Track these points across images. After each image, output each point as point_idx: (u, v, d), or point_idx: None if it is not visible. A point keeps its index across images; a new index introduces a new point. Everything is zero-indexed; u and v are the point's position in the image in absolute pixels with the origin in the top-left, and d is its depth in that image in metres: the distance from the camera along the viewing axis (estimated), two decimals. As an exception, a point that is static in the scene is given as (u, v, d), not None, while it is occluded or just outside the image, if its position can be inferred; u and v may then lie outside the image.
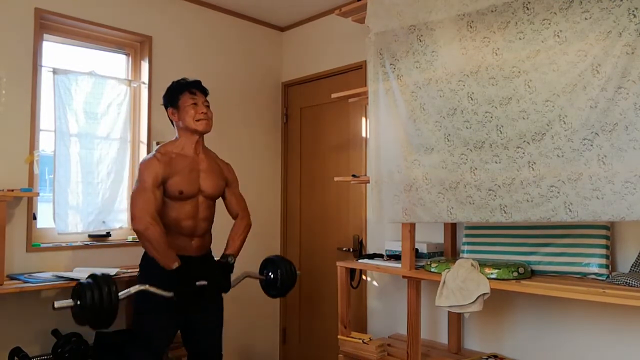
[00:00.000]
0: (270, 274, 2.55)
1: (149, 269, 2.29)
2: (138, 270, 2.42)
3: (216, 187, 2.45)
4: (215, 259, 2.53)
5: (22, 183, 2.63)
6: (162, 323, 2.29)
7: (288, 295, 3.78)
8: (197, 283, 2.20)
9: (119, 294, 1.96)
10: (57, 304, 1.90)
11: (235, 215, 2.57)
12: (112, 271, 2.66)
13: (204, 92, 2.45)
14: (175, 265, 2.17)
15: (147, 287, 2.11)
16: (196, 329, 2.41)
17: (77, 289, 1.94)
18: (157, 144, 3.14)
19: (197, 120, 2.36)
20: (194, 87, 2.41)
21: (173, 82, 2.47)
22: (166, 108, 2.44)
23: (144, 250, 2.31)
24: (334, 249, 3.49)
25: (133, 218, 2.18)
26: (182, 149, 2.39)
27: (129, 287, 2.68)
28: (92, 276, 1.97)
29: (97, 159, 2.95)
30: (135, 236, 3.11)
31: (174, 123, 2.43)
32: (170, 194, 2.29)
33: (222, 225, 2.57)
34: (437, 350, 2.65)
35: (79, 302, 1.92)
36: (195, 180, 2.36)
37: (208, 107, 2.43)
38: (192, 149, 2.40)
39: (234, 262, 2.41)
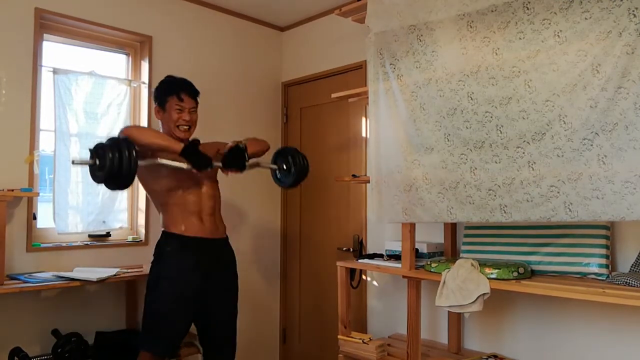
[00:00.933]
0: (284, 165, 2.58)
1: (163, 256, 2.33)
2: (152, 260, 2.42)
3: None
4: (234, 259, 2.57)
5: (22, 183, 2.63)
6: (177, 311, 2.30)
7: (288, 295, 3.80)
8: (214, 164, 2.24)
9: (138, 161, 1.99)
10: (76, 160, 1.95)
11: None
12: (112, 271, 2.67)
13: (194, 96, 2.46)
14: (181, 145, 2.20)
15: (163, 160, 2.16)
16: (211, 320, 2.42)
17: (98, 149, 1.96)
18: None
19: (178, 126, 2.40)
20: (184, 92, 2.42)
21: (166, 80, 2.49)
22: (154, 102, 2.47)
23: (158, 239, 2.36)
24: (334, 249, 3.49)
25: (125, 133, 2.17)
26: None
27: (128, 286, 2.71)
28: (113, 139, 1.99)
29: (97, 159, 2.94)
30: (136, 236, 3.12)
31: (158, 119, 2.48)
32: (176, 176, 2.32)
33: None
34: (437, 350, 2.65)
35: (98, 162, 1.94)
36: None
37: (195, 111, 2.45)
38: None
39: (245, 147, 2.36)
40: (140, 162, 2.03)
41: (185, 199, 2.36)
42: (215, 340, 2.47)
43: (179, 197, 2.36)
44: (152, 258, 2.43)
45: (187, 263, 2.32)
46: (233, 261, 2.55)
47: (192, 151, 2.20)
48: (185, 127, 2.41)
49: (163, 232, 2.41)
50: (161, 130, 2.46)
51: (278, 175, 2.64)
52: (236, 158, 2.32)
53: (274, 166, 2.61)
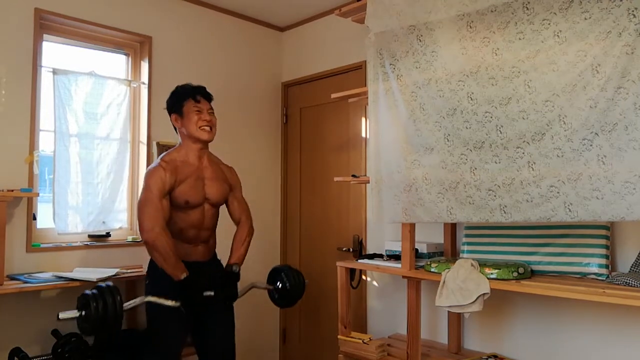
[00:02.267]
0: (278, 283, 2.52)
1: (156, 278, 2.29)
2: (146, 276, 2.40)
3: (221, 194, 2.44)
4: (221, 263, 2.52)
5: (22, 183, 2.63)
6: (173, 328, 2.28)
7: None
8: (205, 294, 2.19)
9: (124, 305, 1.97)
10: (61, 315, 1.91)
11: (237, 220, 2.55)
12: (112, 271, 2.67)
13: (209, 98, 2.43)
14: (184, 275, 2.16)
15: (150, 298, 2.12)
16: (208, 333, 2.40)
17: (82, 300, 1.94)
18: (157, 144, 3.15)
19: (200, 128, 2.34)
20: (199, 94, 2.38)
21: (177, 87, 2.44)
22: (170, 113, 2.42)
23: (150, 258, 2.31)
24: (334, 249, 3.49)
25: (142, 229, 2.17)
26: (186, 157, 2.36)
27: (128, 286, 2.70)
28: (97, 287, 1.97)
29: (97, 159, 2.95)
30: (135, 236, 3.12)
31: (177, 129, 2.42)
32: (176, 203, 2.28)
33: (225, 230, 2.57)
34: (437, 350, 2.65)
35: (84, 313, 1.92)
36: (201, 189, 2.35)
37: (212, 114, 2.41)
38: (196, 157, 2.39)
39: (239, 270, 2.39)
40: (126, 305, 2.01)
41: (183, 232, 2.33)
42: (215, 350, 2.43)
43: (178, 229, 2.32)
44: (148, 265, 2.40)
45: (177, 285, 2.25)
46: (224, 284, 2.43)
47: (187, 291, 2.15)
48: (207, 127, 2.35)
49: None
50: (182, 140, 2.40)
51: (274, 295, 2.55)
52: (230, 288, 2.30)
53: (270, 286, 2.54)
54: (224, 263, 2.47)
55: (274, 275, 2.56)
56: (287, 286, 2.48)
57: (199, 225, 2.35)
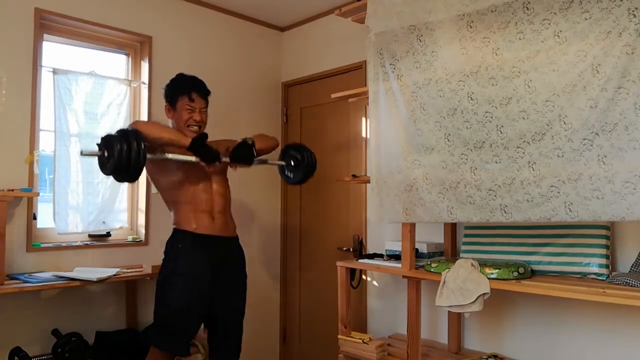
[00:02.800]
0: (291, 160, 2.58)
1: (174, 254, 2.32)
2: (163, 257, 2.39)
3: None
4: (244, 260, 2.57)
5: (22, 183, 2.63)
6: (192, 309, 2.29)
7: (288, 295, 3.80)
8: (222, 159, 2.26)
9: (147, 155, 2.00)
10: (84, 151, 1.95)
11: None
12: (112, 271, 2.67)
13: (205, 95, 2.47)
14: (190, 139, 2.21)
15: (171, 155, 2.17)
16: (219, 319, 2.42)
17: (107, 140, 1.96)
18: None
19: (188, 126, 2.40)
20: (195, 91, 2.42)
21: (177, 78, 2.49)
22: (165, 101, 2.47)
23: (169, 238, 2.37)
24: (334, 249, 3.49)
25: (141, 127, 2.15)
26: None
27: (128, 286, 2.70)
28: (122, 130, 2.00)
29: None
30: (136, 236, 3.12)
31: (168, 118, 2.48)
32: (174, 166, 2.32)
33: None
34: (437, 350, 2.65)
35: (106, 154, 1.94)
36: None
37: (205, 111, 2.46)
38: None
39: (253, 143, 2.39)
40: (149, 156, 2.04)
41: (196, 197, 2.36)
42: (222, 340, 2.45)
43: (190, 195, 2.36)
44: (160, 256, 2.40)
45: (200, 260, 2.31)
46: (243, 260, 2.54)
47: (200, 144, 2.22)
48: (196, 127, 2.41)
49: (174, 229, 2.39)
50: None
51: (286, 172, 2.64)
52: (244, 152, 2.34)
53: (282, 163, 2.61)
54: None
55: (288, 152, 2.63)
56: (300, 165, 2.56)
57: (207, 189, 2.39)
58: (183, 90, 2.42)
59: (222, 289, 2.40)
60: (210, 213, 2.38)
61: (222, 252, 2.39)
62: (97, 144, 2.01)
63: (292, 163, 2.58)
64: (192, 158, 2.21)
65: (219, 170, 2.46)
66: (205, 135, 2.29)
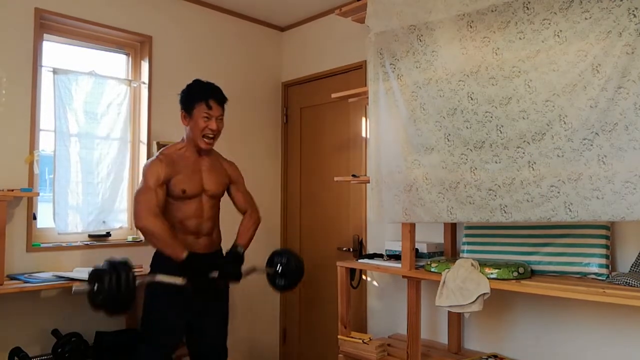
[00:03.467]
0: (278, 266, 2.53)
1: (159, 265, 2.31)
2: (150, 270, 2.41)
3: (219, 185, 2.46)
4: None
5: (22, 183, 2.63)
6: (171, 320, 2.31)
7: (288, 295, 3.80)
8: (210, 275, 2.22)
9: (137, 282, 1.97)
10: (75, 289, 1.92)
11: (243, 212, 2.59)
12: (112, 271, 2.67)
13: (222, 103, 2.43)
14: (185, 254, 2.18)
15: (159, 276, 2.13)
16: (200, 331, 2.42)
17: (95, 274, 1.94)
18: (157, 144, 3.15)
19: (203, 136, 2.36)
20: (212, 99, 2.37)
21: (194, 84, 2.44)
22: (181, 108, 2.42)
23: (154, 251, 2.34)
24: (334, 249, 3.49)
25: (136, 216, 2.21)
26: (184, 151, 2.41)
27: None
28: (109, 262, 1.97)
29: (97, 159, 2.95)
30: (136, 236, 3.12)
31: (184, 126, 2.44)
32: (174, 193, 2.31)
33: (232, 222, 2.57)
34: (437, 350, 2.65)
35: (96, 287, 1.91)
36: (198, 179, 2.38)
37: (221, 119, 2.43)
38: (194, 152, 2.43)
39: (244, 252, 2.43)
40: (138, 282, 2.01)
41: (185, 222, 2.35)
42: (205, 348, 2.45)
43: (179, 220, 2.34)
44: (150, 261, 2.42)
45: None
46: (228, 263, 2.51)
47: (191, 271, 2.17)
48: (211, 136, 2.38)
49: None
50: (185, 136, 2.43)
51: (276, 280, 2.52)
52: (234, 267, 2.34)
53: (270, 270, 2.52)
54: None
55: (273, 258, 2.57)
56: (286, 267, 2.49)
57: (199, 215, 2.37)
58: (200, 97, 2.36)
59: (203, 300, 2.37)
60: (196, 235, 2.38)
61: (204, 261, 2.35)
62: (86, 280, 1.98)
63: (280, 270, 2.49)
64: (179, 281, 2.14)
65: (215, 196, 2.46)
66: (198, 258, 2.23)
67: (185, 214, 2.34)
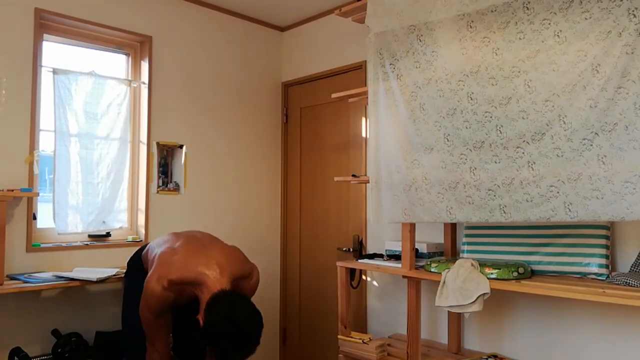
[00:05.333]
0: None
1: (138, 279, 2.32)
2: (125, 274, 2.47)
3: None
4: None
5: (22, 183, 2.63)
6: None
7: (288, 295, 3.80)
8: None
9: None
10: None
11: None
12: (112, 271, 2.67)
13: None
14: None
15: None
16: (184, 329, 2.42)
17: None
18: (157, 144, 3.15)
19: None
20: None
21: (232, 336, 1.96)
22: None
23: (131, 256, 2.42)
24: (334, 249, 3.49)
25: (148, 335, 2.21)
26: (189, 294, 2.17)
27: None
28: None
29: (97, 159, 2.95)
30: (135, 236, 3.13)
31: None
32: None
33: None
34: (437, 350, 2.65)
35: None
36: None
37: None
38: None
39: None
40: None
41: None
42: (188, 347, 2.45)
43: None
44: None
45: None
46: None
47: None
48: None
49: (138, 255, 2.46)
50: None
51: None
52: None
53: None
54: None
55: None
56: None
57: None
58: (225, 356, 1.98)
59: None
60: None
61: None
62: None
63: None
64: None
65: None
66: None
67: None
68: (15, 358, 2.44)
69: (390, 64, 2.37)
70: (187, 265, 2.12)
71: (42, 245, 2.72)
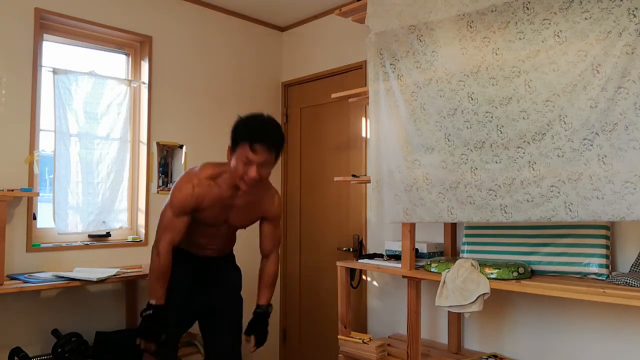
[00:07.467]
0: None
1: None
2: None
3: (247, 221, 2.37)
4: (234, 257, 2.54)
5: (22, 183, 2.63)
6: (172, 316, 2.25)
7: (288, 295, 3.80)
8: (163, 336, 2.15)
9: None
10: None
11: (266, 253, 2.45)
12: (112, 271, 2.67)
13: (273, 148, 2.07)
14: (153, 301, 2.14)
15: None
16: (213, 326, 2.40)
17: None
18: (157, 144, 3.15)
19: (241, 180, 2.07)
20: (260, 143, 2.01)
21: (247, 119, 2.11)
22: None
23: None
24: (334, 248, 3.49)
25: (156, 236, 2.20)
26: (222, 182, 2.17)
27: (128, 286, 2.64)
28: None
29: (97, 159, 2.95)
30: (135, 236, 3.13)
31: None
32: (195, 218, 2.22)
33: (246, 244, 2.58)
34: (437, 350, 2.65)
35: None
36: (225, 214, 2.25)
37: (269, 165, 2.09)
38: (232, 187, 2.17)
39: (267, 309, 2.45)
40: None
41: (196, 239, 2.32)
42: (219, 325, 2.41)
43: (190, 235, 2.27)
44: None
45: (184, 268, 2.31)
46: (233, 269, 2.52)
47: (146, 323, 2.13)
48: (248, 184, 2.06)
49: None
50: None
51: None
52: (259, 332, 2.38)
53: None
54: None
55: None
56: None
57: (213, 237, 2.35)
58: (246, 135, 2.03)
59: (213, 292, 2.39)
60: (203, 249, 2.37)
61: (205, 264, 2.39)
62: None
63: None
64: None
65: (238, 228, 2.40)
66: (163, 315, 2.15)
67: (200, 232, 2.29)
68: (15, 358, 2.44)
69: (391, 64, 2.37)
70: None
71: (42, 245, 2.72)
